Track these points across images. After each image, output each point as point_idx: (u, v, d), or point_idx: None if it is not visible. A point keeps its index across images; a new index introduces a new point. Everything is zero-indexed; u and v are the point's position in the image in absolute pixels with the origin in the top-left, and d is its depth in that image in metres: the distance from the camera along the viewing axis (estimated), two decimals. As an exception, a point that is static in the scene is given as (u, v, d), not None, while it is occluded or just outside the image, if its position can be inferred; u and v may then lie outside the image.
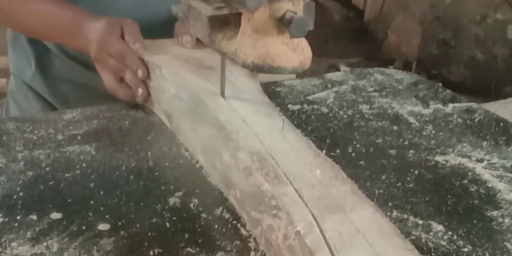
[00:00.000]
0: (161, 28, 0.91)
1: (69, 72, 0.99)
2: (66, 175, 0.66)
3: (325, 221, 0.48)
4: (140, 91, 0.78)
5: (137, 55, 0.77)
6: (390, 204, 0.64)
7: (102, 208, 0.61)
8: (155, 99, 0.79)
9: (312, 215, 0.49)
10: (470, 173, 0.71)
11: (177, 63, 0.77)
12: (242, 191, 0.57)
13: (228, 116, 0.65)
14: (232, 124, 0.63)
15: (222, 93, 0.69)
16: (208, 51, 0.77)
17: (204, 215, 0.60)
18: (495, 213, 0.63)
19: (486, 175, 0.70)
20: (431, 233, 0.59)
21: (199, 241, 0.56)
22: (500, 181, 0.69)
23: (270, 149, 0.58)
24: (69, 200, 0.62)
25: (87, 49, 0.82)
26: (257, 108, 0.68)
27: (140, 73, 0.77)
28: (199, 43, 0.76)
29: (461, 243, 0.58)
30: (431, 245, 0.58)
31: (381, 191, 0.66)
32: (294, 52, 0.61)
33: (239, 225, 0.59)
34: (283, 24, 0.58)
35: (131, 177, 0.67)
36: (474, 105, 0.90)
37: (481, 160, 0.74)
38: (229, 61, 0.75)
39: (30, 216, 0.59)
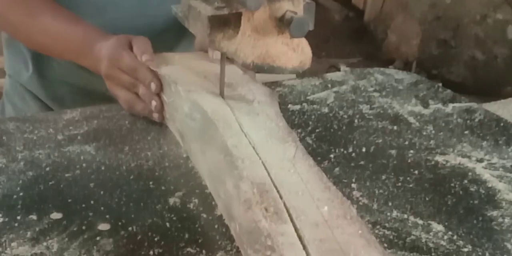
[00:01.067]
0: (161, 29, 0.91)
1: (67, 75, 0.98)
2: (66, 175, 0.66)
3: None
4: (153, 103, 0.75)
5: (149, 68, 0.74)
6: (390, 204, 0.64)
7: (102, 208, 0.61)
8: (170, 116, 0.75)
9: None
10: (470, 173, 0.71)
11: (194, 79, 0.73)
12: (241, 226, 0.51)
13: (237, 141, 0.60)
14: (240, 150, 0.58)
15: (222, 94, 0.69)
16: (231, 67, 0.73)
17: (204, 215, 0.60)
18: (495, 213, 0.63)
19: (486, 175, 0.70)
20: (431, 233, 0.59)
21: (199, 241, 0.56)
22: (500, 181, 0.69)
23: (276, 180, 0.54)
24: (69, 200, 0.62)
25: (98, 68, 0.80)
26: (270, 132, 0.62)
27: (153, 86, 0.74)
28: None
29: (461, 243, 0.58)
30: (431, 245, 0.58)
31: (381, 191, 0.66)
32: (294, 52, 0.60)
33: (239, 225, 0.59)
34: (283, 24, 0.58)
35: (131, 177, 0.67)
36: (474, 105, 0.90)
37: (481, 160, 0.74)
38: (252, 80, 0.73)
39: (30, 216, 0.59)
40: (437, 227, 0.60)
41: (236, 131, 0.62)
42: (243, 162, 0.56)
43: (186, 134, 0.70)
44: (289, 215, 0.49)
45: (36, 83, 1.00)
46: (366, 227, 0.49)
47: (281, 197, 0.51)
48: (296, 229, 0.47)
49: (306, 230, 0.47)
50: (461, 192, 0.67)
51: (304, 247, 0.46)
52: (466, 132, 0.81)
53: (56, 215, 0.59)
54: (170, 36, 0.90)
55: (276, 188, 0.52)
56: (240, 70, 0.75)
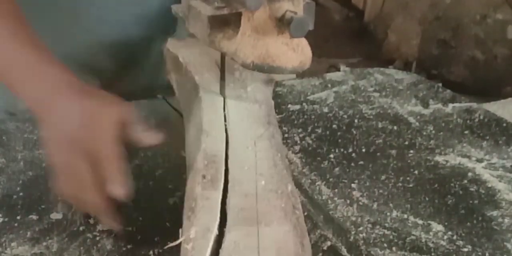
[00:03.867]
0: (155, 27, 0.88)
1: None
2: (66, 175, 0.66)
3: (230, 231, 0.46)
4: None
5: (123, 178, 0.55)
6: (390, 204, 0.64)
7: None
8: (179, 95, 0.78)
9: (219, 224, 0.47)
10: (470, 173, 0.71)
11: (206, 64, 0.74)
12: (186, 193, 0.53)
13: (214, 118, 0.62)
14: (211, 125, 0.61)
15: (222, 93, 0.69)
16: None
17: (204, 215, 0.60)
18: (495, 213, 0.63)
19: (486, 175, 0.70)
20: (431, 233, 0.59)
21: (199, 241, 0.56)
22: (500, 181, 0.69)
23: (231, 154, 0.56)
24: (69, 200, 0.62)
25: (40, 115, 0.55)
26: (250, 113, 0.65)
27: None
28: None
29: (461, 243, 0.58)
30: (431, 245, 0.58)
31: (381, 191, 0.66)
32: (294, 52, 0.60)
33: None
34: (283, 24, 0.58)
35: (131, 177, 0.67)
36: (474, 105, 0.90)
37: (481, 160, 0.74)
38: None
39: (30, 216, 0.59)
40: (437, 227, 0.60)
41: (217, 108, 0.65)
42: (207, 136, 0.59)
43: (185, 110, 0.74)
44: (226, 185, 0.51)
45: None
46: (297, 203, 0.51)
47: (227, 170, 0.53)
48: (224, 197, 0.50)
49: (233, 198, 0.49)
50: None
51: (222, 213, 0.48)
52: (466, 132, 0.81)
53: (56, 215, 0.59)
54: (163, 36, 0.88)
55: (226, 161, 0.55)
56: None
